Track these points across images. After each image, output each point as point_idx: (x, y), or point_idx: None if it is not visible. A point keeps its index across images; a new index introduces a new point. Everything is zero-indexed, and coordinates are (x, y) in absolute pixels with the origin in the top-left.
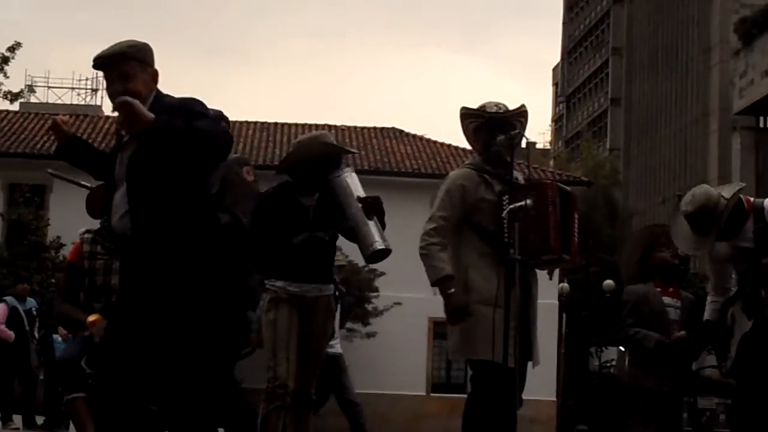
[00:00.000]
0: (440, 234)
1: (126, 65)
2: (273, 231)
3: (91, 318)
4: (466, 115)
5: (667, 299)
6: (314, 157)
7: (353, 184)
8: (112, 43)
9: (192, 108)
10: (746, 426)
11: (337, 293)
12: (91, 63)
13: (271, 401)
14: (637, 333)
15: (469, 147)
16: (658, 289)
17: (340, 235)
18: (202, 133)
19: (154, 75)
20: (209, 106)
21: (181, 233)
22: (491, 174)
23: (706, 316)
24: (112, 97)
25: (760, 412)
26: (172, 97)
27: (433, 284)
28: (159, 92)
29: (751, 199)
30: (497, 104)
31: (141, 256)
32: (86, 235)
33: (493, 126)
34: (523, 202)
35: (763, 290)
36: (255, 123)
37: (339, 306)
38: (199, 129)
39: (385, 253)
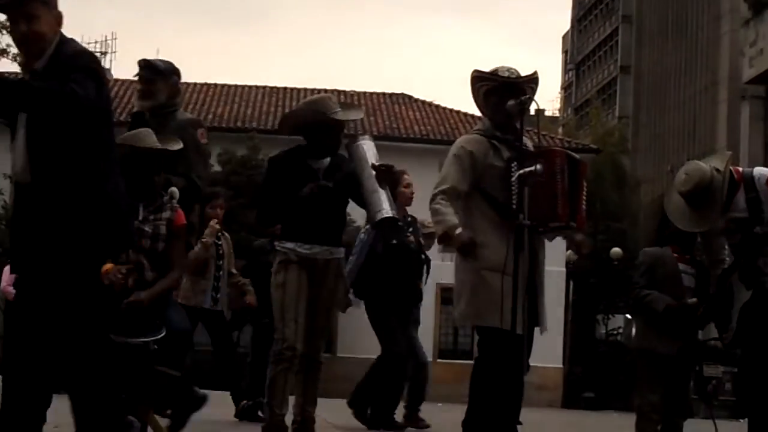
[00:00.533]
0: (449, 196)
1: (30, 6)
2: (283, 192)
3: (103, 268)
4: (478, 78)
5: (682, 265)
6: (308, 123)
7: (369, 151)
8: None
9: (76, 62)
10: (752, 395)
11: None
12: None
13: (279, 363)
14: (648, 295)
15: (478, 113)
16: (675, 255)
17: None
18: (36, 91)
19: (59, 17)
20: (169, 60)
21: (76, 183)
22: (500, 140)
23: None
24: (16, 39)
25: (763, 382)
26: (76, 43)
27: (440, 238)
28: (63, 36)
29: (740, 168)
30: (509, 69)
31: (37, 204)
32: None
33: (504, 90)
34: (533, 168)
35: (760, 259)
36: (264, 87)
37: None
38: (34, 87)
39: (391, 221)
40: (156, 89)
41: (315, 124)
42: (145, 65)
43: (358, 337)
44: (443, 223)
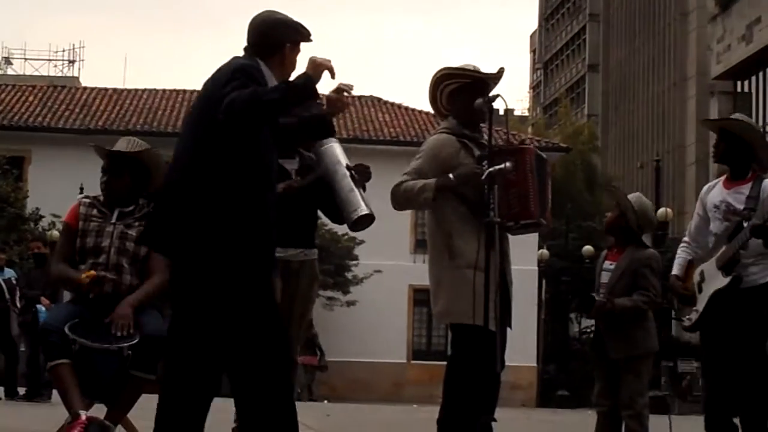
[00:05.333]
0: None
1: None
2: None
3: (84, 274)
4: (447, 75)
5: (606, 263)
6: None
7: (340, 153)
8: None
9: None
10: (714, 380)
11: None
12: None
13: None
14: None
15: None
16: (606, 251)
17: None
18: None
19: None
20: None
21: None
22: (469, 138)
23: (674, 270)
24: None
25: (726, 368)
26: None
27: (433, 196)
28: None
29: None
30: (474, 67)
31: None
32: (84, 200)
33: (473, 88)
34: (502, 165)
35: (740, 251)
36: None
37: None
38: None
39: (369, 219)
40: None
41: (307, 125)
42: None
43: (337, 340)
44: (425, 187)
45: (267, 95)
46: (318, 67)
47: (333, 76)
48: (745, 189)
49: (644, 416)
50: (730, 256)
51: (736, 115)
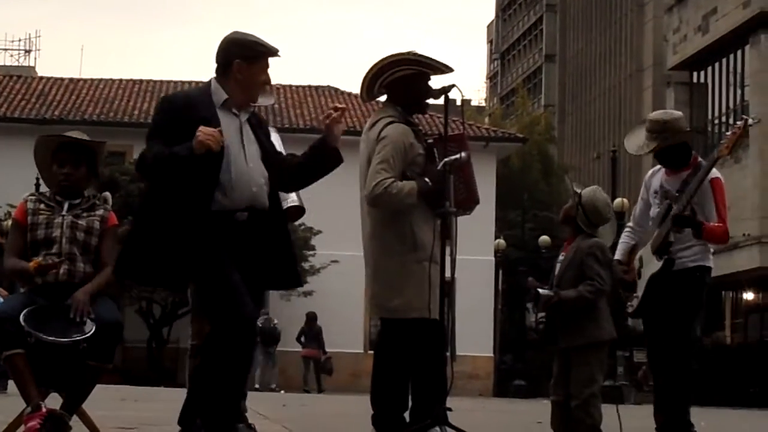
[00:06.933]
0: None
1: None
2: None
3: (33, 262)
4: (404, 61)
5: (561, 254)
6: None
7: (277, 142)
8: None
9: None
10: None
11: None
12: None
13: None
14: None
15: None
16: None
17: None
18: None
19: None
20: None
21: None
22: (413, 125)
23: (617, 255)
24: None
25: (664, 349)
26: None
27: (419, 198)
28: None
29: (699, 158)
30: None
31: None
32: (30, 196)
33: (425, 77)
34: (457, 156)
35: (672, 234)
36: (190, 82)
37: None
38: None
39: (299, 211)
40: None
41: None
42: None
43: (294, 330)
44: (410, 192)
45: (161, 165)
46: (199, 144)
47: (214, 151)
48: (684, 174)
49: (591, 405)
50: (662, 240)
51: (654, 115)
